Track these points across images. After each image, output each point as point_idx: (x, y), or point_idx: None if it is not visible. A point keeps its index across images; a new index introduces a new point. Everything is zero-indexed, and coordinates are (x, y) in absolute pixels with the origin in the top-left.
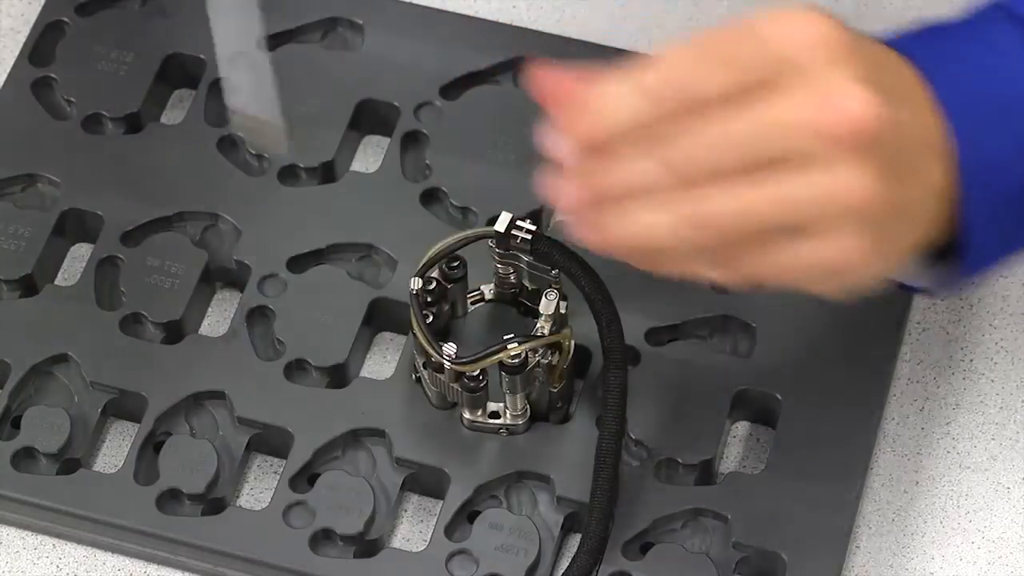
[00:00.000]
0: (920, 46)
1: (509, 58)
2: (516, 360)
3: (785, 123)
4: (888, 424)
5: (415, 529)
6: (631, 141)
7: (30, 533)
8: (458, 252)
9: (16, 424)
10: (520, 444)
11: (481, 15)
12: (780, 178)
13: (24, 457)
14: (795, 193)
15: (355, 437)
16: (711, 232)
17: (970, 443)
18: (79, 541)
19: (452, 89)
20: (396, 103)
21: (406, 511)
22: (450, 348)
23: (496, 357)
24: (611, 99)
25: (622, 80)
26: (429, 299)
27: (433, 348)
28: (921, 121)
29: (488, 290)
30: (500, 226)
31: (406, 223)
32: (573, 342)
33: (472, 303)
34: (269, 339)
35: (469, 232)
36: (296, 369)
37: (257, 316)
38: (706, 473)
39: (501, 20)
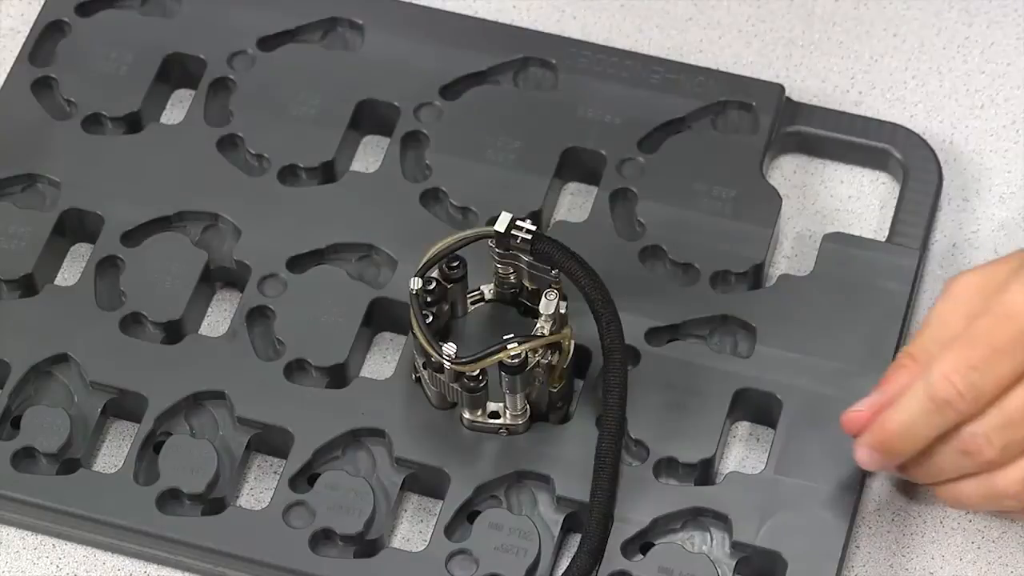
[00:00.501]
0: None
1: (509, 58)
2: (516, 360)
3: None
4: None
5: (415, 529)
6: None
7: (30, 533)
8: (458, 252)
9: (16, 424)
10: (520, 444)
11: (481, 15)
12: None
13: (24, 457)
14: None
15: (355, 437)
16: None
17: None
18: (79, 541)
19: (452, 89)
20: (396, 103)
21: (406, 511)
22: (450, 348)
23: (496, 357)
24: (911, 419)
25: (915, 398)
26: (429, 299)
27: (433, 348)
28: None
29: (488, 290)
30: (500, 226)
31: (406, 223)
32: (573, 342)
33: (472, 303)
34: (269, 339)
35: (469, 232)
36: (296, 369)
37: (257, 316)
38: (706, 473)
39: (501, 20)
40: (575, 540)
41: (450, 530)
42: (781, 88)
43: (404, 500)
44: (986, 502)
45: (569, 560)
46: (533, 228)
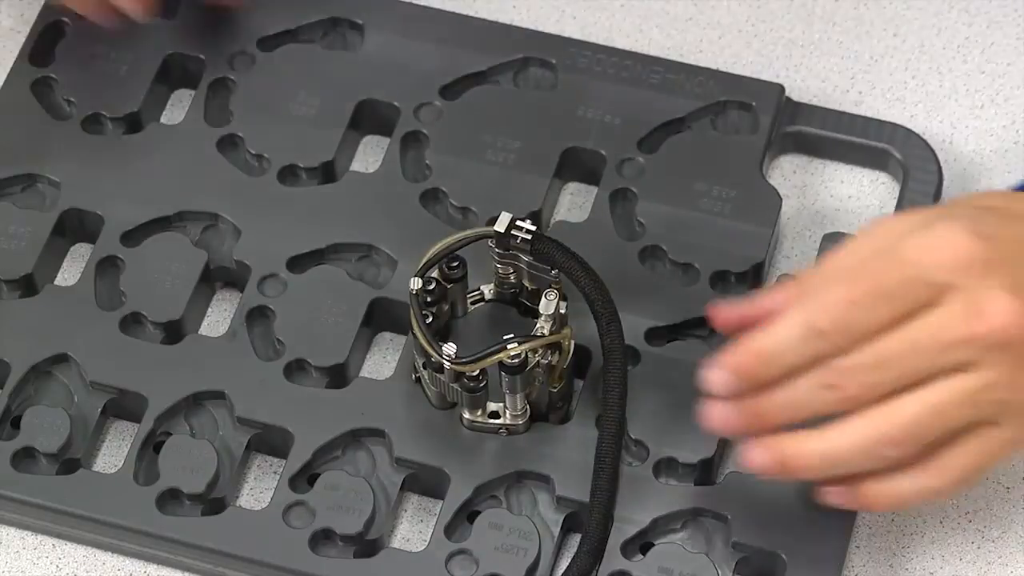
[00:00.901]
0: None
1: (509, 58)
2: (516, 360)
3: (940, 340)
4: None
5: (415, 529)
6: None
7: (30, 533)
8: (458, 252)
9: (16, 424)
10: (520, 444)
11: (481, 15)
12: (938, 387)
13: (24, 457)
14: (952, 398)
15: (355, 437)
16: (880, 446)
17: None
18: (79, 541)
19: (452, 89)
20: (396, 103)
21: (406, 511)
22: (450, 348)
23: (496, 357)
24: (779, 344)
25: (788, 323)
26: (429, 299)
27: (433, 348)
28: None
29: (488, 290)
30: (500, 226)
31: (406, 223)
32: (573, 342)
33: (472, 303)
34: (269, 339)
35: (469, 232)
36: (296, 369)
37: (257, 316)
38: (706, 473)
39: (501, 20)
40: (575, 540)
41: (450, 530)
42: (781, 88)
43: (404, 500)
44: (860, 453)
45: (569, 560)
46: (533, 228)
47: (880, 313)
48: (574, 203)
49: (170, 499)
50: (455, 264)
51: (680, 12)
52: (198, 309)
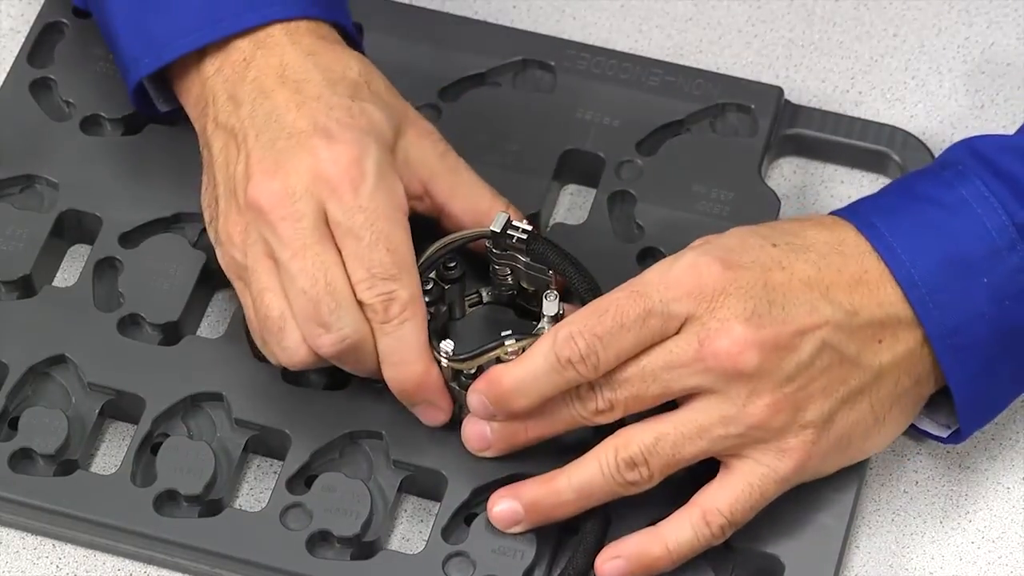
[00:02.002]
0: (879, 218)
1: (509, 60)
2: (512, 357)
3: (670, 365)
4: None
5: (412, 531)
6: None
7: (30, 533)
8: (455, 254)
9: (13, 425)
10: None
11: (481, 17)
12: (696, 409)
13: (21, 458)
14: (702, 420)
15: (352, 439)
16: (619, 472)
17: (970, 443)
18: (76, 543)
19: (451, 91)
20: None
21: (404, 513)
22: (447, 345)
23: (493, 354)
24: (529, 374)
25: (537, 354)
26: (427, 299)
27: (431, 346)
28: (863, 302)
29: (486, 292)
30: (496, 226)
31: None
32: None
33: (470, 306)
34: None
35: (466, 232)
36: (294, 371)
37: None
38: (705, 474)
39: (501, 22)
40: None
41: (447, 532)
42: (780, 91)
43: (402, 502)
44: (608, 479)
45: (566, 561)
46: (529, 228)
47: (621, 346)
48: (573, 205)
49: (167, 500)
50: (452, 265)
51: (680, 13)
52: (196, 311)
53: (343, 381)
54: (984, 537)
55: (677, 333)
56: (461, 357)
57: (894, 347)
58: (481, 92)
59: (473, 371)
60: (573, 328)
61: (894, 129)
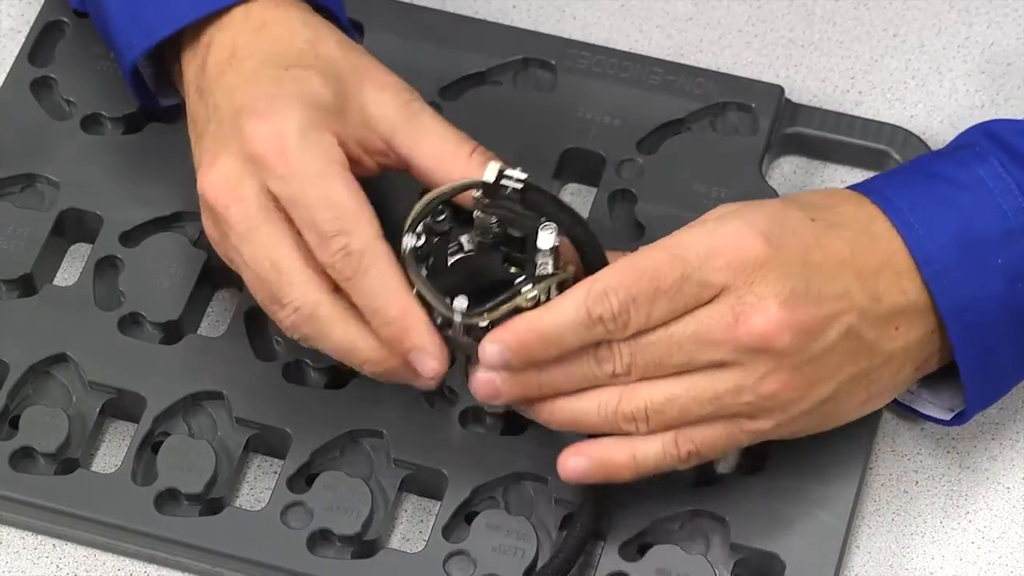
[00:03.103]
0: (895, 193)
1: (509, 59)
2: (533, 303)
3: (699, 338)
4: (887, 424)
5: (413, 530)
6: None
7: (30, 533)
8: (445, 205)
9: (15, 424)
10: (518, 445)
11: (481, 16)
12: (713, 376)
13: (22, 457)
14: (718, 388)
15: (353, 438)
16: (622, 422)
17: (970, 443)
18: (77, 541)
19: (452, 90)
20: None
21: (404, 512)
22: (461, 302)
23: (512, 303)
24: (559, 326)
25: (569, 305)
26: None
27: (442, 304)
28: (887, 288)
29: (467, 240)
30: (489, 176)
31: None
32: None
33: (451, 254)
34: (267, 339)
35: (457, 183)
36: (295, 370)
37: (255, 316)
38: (705, 474)
39: (501, 21)
40: None
41: (448, 531)
42: (780, 89)
43: (402, 501)
44: (602, 420)
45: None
46: (523, 177)
47: (655, 311)
48: (573, 203)
49: (168, 499)
50: (441, 217)
51: (680, 12)
52: (197, 309)
53: (344, 380)
54: (984, 537)
55: (710, 302)
56: (479, 311)
57: (907, 334)
58: (481, 91)
59: (486, 323)
60: (608, 284)
61: (895, 128)
